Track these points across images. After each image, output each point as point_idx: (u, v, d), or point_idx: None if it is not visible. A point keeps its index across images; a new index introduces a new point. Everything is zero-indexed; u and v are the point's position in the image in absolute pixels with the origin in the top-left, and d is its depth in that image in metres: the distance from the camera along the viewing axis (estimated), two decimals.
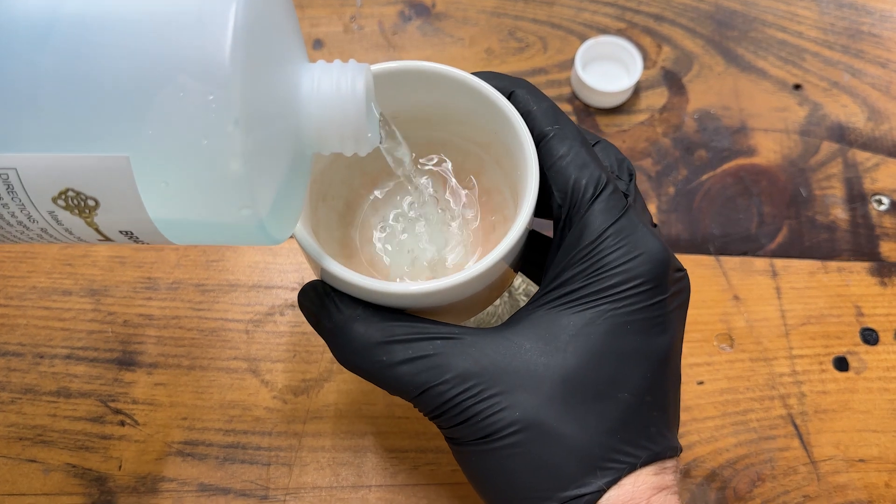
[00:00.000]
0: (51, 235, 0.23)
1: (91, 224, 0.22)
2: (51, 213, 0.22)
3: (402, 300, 0.28)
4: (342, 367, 0.29)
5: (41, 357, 0.40)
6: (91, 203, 0.22)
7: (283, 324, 0.41)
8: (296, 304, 0.41)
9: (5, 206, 0.22)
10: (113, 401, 0.39)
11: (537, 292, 0.28)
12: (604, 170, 0.28)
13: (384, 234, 0.34)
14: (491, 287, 0.29)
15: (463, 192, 0.34)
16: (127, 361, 0.40)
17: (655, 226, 0.29)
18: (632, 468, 0.26)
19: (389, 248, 0.33)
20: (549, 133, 0.29)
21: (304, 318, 0.41)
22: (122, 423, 0.38)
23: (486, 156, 0.34)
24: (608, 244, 0.27)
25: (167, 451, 0.38)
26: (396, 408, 0.39)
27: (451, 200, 0.34)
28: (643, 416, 0.27)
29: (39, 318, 0.41)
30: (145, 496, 0.37)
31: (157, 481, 0.37)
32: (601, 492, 0.25)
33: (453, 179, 0.34)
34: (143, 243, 0.24)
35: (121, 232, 0.23)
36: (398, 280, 0.32)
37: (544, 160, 0.28)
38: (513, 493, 0.26)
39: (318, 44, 0.49)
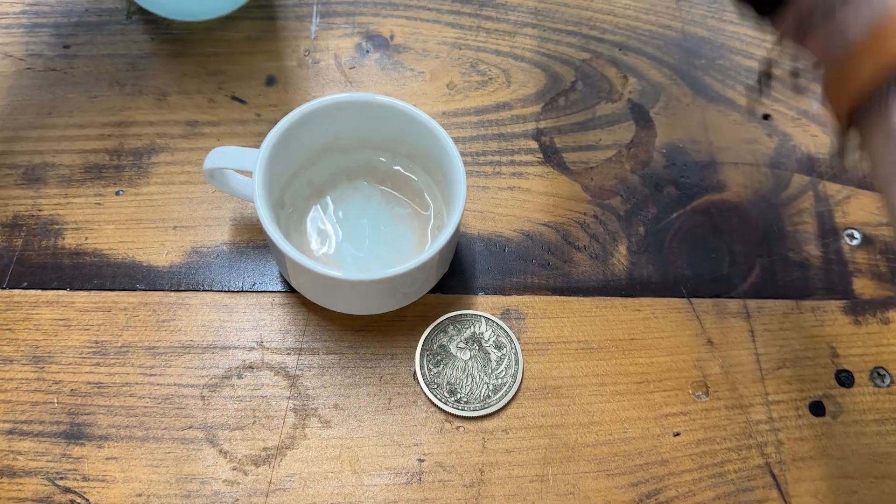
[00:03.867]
0: None
1: None
2: None
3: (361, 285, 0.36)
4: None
5: None
6: None
7: (241, 387, 0.39)
8: (254, 365, 0.39)
9: None
10: (62, 478, 0.37)
11: None
12: None
13: (335, 236, 0.41)
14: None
15: (403, 197, 0.42)
16: (75, 434, 0.37)
17: None
18: None
19: (342, 245, 0.41)
20: None
21: (263, 381, 0.39)
22: (73, 503, 0.36)
23: (417, 167, 0.42)
24: None
25: None
26: (364, 475, 0.37)
27: (395, 200, 0.42)
28: None
29: None
30: None
31: None
32: None
33: (391, 188, 0.42)
34: None
35: None
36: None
37: None
38: None
39: (271, 80, 0.47)
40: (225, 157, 0.38)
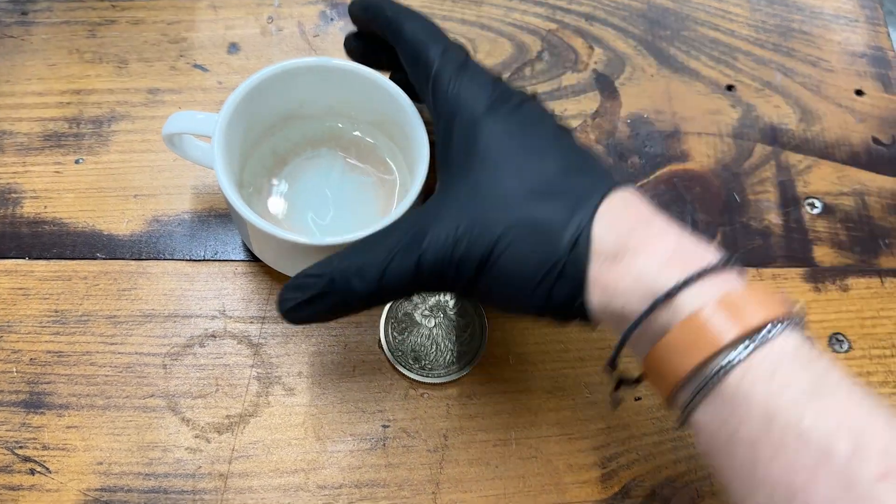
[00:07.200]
0: None
1: None
2: None
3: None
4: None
5: None
6: None
7: (203, 356, 0.38)
8: (217, 334, 0.39)
9: None
10: (21, 447, 0.36)
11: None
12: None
13: (298, 205, 0.40)
14: None
15: (367, 165, 0.42)
16: (35, 403, 0.37)
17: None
18: (607, 192, 0.30)
19: (305, 214, 0.40)
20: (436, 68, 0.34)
21: (226, 350, 0.39)
22: (32, 472, 0.36)
23: (381, 134, 0.41)
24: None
25: (83, 500, 0.35)
26: (329, 441, 0.37)
27: (358, 168, 0.41)
28: (582, 165, 0.32)
29: None
30: None
31: None
32: (595, 208, 0.29)
33: (355, 156, 0.42)
34: None
35: None
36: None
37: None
38: (530, 286, 0.29)
39: (233, 48, 0.46)
40: (184, 121, 0.37)
